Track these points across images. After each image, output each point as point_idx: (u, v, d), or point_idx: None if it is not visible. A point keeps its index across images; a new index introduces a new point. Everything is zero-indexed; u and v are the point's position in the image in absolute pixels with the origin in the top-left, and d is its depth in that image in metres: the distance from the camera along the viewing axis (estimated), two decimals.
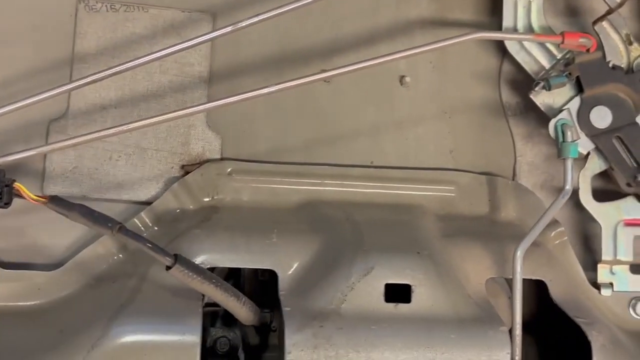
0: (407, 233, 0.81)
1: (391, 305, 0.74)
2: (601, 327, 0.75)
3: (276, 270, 0.77)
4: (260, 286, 0.86)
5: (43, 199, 0.70)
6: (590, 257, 0.92)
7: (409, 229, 0.82)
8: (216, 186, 0.87)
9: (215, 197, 0.87)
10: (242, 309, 0.72)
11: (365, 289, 0.74)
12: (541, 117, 0.90)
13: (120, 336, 0.69)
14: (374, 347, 0.71)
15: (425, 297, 0.75)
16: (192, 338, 0.69)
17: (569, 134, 0.84)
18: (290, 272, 0.77)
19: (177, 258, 0.68)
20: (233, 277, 0.86)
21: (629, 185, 0.88)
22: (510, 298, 0.78)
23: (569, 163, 0.84)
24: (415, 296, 0.75)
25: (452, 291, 0.76)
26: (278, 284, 0.76)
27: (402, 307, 0.75)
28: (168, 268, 0.67)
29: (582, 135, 0.87)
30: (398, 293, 0.75)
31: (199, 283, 0.69)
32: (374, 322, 0.73)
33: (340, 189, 0.89)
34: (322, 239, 0.80)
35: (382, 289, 0.75)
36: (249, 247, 0.78)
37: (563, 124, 0.85)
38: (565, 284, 0.82)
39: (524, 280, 0.81)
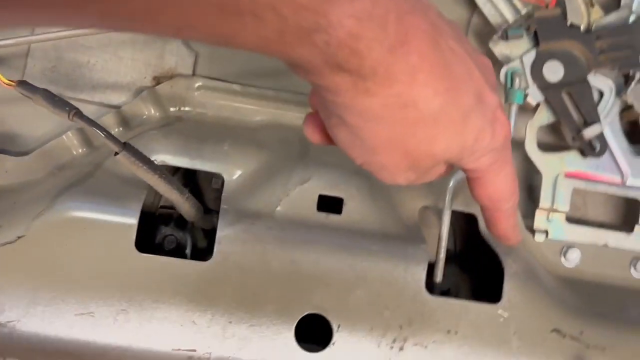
0: None
1: (322, 214, 0.80)
2: (518, 257, 0.80)
3: (223, 174, 0.82)
4: (213, 193, 0.92)
5: (12, 83, 0.76)
6: (533, 205, 0.96)
7: None
8: (184, 99, 0.93)
9: (181, 109, 0.92)
10: (184, 204, 0.78)
11: (300, 197, 0.80)
12: None
13: (62, 210, 0.75)
14: (299, 248, 0.76)
15: (355, 212, 0.80)
16: (130, 220, 0.75)
17: (517, 81, 0.89)
18: (234, 177, 0.82)
19: (126, 146, 0.73)
20: (190, 182, 0.92)
21: (574, 139, 0.92)
22: None
23: (514, 108, 0.88)
24: (346, 209, 0.80)
25: (383, 210, 0.81)
26: (223, 187, 0.82)
27: (333, 217, 0.80)
28: (116, 154, 0.73)
29: (534, 87, 0.91)
30: (331, 205, 0.81)
31: (144, 172, 0.74)
32: (304, 227, 0.78)
33: (302, 114, 0.94)
34: (270, 153, 0.85)
35: (315, 199, 0.80)
36: (200, 152, 0.83)
37: (513, 71, 0.90)
38: None
39: (460, 214, 0.86)
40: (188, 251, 0.88)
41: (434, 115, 0.46)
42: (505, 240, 0.66)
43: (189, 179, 0.91)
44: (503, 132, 0.53)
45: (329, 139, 0.54)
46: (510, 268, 0.78)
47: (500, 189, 0.57)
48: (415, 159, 0.50)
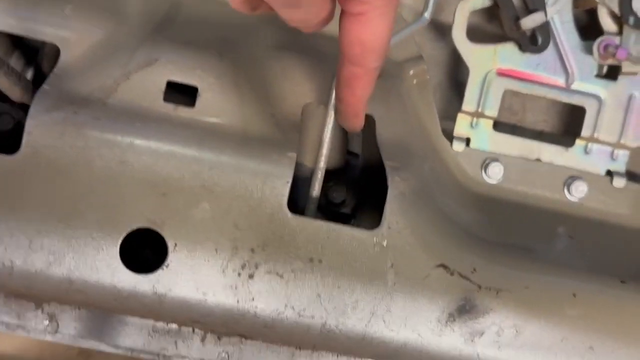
0: (227, 33, 0.69)
1: (170, 106, 0.64)
2: (409, 175, 0.65)
3: (59, 46, 0.66)
4: None
5: None
6: (455, 107, 0.80)
7: (233, 30, 0.70)
8: None
9: None
10: (3, 80, 0.62)
11: (143, 82, 0.64)
12: None
13: None
14: (131, 147, 0.61)
15: (212, 105, 0.64)
16: None
17: None
18: (73, 51, 0.66)
19: None
20: (30, 53, 0.76)
21: (512, 29, 0.75)
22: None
23: None
24: (200, 101, 0.64)
25: (250, 106, 0.65)
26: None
27: (182, 110, 0.64)
28: None
29: None
30: (181, 94, 0.65)
31: None
32: (142, 120, 0.63)
33: None
34: (125, 23, 0.68)
35: (162, 86, 0.64)
36: (34, 14, 0.67)
37: None
38: (402, 126, 0.71)
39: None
40: None
41: None
42: (352, 118, 0.59)
43: (30, 49, 0.75)
44: None
45: None
46: (395, 187, 0.63)
47: (377, 36, 0.51)
48: None
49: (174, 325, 0.68)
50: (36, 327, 0.66)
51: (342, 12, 0.50)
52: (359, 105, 0.58)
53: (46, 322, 0.66)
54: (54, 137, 0.61)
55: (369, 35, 0.50)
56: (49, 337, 0.66)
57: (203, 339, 0.68)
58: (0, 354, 1.35)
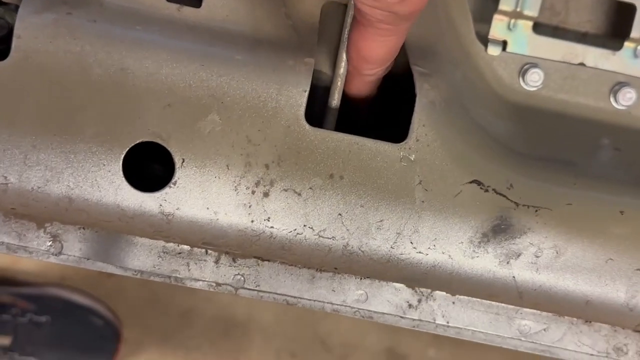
0: None
1: (173, 6, 0.58)
2: (440, 82, 0.58)
3: None
4: None
5: None
6: (491, 7, 0.72)
7: None
8: None
9: None
10: None
11: None
12: None
13: None
14: (131, 52, 0.55)
15: (220, 5, 0.58)
16: None
17: None
18: None
19: None
20: None
21: None
22: None
23: None
24: (207, 0, 0.58)
25: (262, 6, 0.58)
26: None
27: (188, 11, 0.58)
28: None
29: None
30: None
31: None
32: (143, 22, 0.57)
33: None
34: None
35: None
36: None
37: None
38: (432, 27, 0.64)
39: None
40: None
41: None
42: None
43: None
44: None
45: None
46: (424, 95, 0.57)
47: (373, 52, 0.53)
48: None
49: (185, 247, 0.63)
50: (38, 248, 0.62)
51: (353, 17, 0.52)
52: (358, 98, 0.60)
53: (49, 243, 0.62)
54: (45, 42, 0.55)
55: (365, 46, 0.52)
56: (52, 259, 0.62)
57: (217, 261, 0.64)
58: (23, 272, 1.33)
